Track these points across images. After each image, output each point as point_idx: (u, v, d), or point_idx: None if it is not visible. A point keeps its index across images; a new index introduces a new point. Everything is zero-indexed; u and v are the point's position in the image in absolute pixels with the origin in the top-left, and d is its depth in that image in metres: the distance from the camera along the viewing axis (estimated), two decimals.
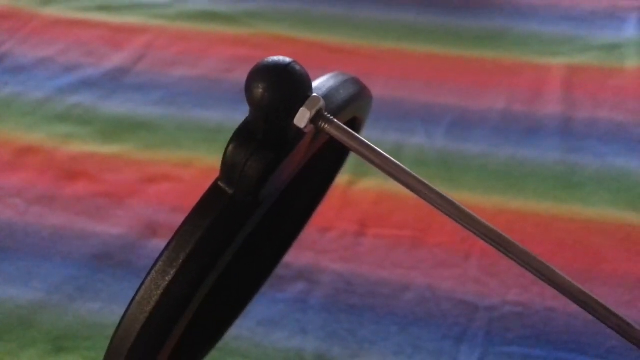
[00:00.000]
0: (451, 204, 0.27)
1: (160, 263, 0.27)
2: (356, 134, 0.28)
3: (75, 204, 0.72)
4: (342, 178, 0.77)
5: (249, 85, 0.27)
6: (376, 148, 0.27)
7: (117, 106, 0.86)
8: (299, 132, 0.27)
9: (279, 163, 0.26)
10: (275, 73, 0.26)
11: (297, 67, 0.28)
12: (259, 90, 0.27)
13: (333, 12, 1.07)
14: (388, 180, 0.79)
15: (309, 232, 0.71)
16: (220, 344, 0.58)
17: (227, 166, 0.27)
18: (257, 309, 0.61)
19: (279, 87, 0.26)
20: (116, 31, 1.01)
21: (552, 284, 0.26)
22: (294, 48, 0.98)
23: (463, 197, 0.74)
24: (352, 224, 0.71)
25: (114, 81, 0.91)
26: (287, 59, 0.27)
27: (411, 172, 0.27)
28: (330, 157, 0.37)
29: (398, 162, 0.27)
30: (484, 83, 0.92)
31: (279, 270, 0.66)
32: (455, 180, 0.77)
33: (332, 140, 0.34)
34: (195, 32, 1.02)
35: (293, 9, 1.07)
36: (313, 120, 0.27)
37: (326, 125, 0.27)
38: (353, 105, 0.31)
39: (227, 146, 0.27)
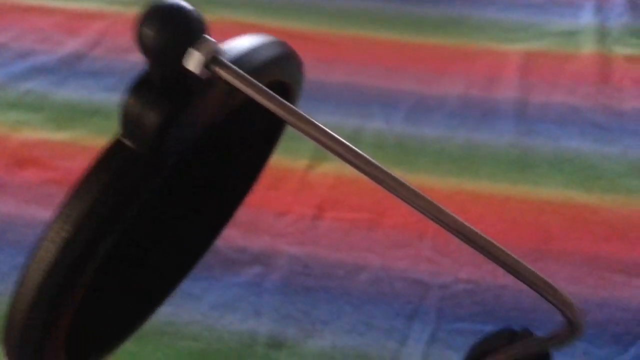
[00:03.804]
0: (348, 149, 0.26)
1: (56, 220, 0.26)
2: (253, 80, 0.26)
3: (26, 191, 0.71)
4: (300, 163, 0.77)
5: (138, 29, 0.26)
6: (277, 97, 0.25)
7: (71, 92, 0.85)
8: (202, 83, 0.26)
9: (179, 114, 0.26)
10: (164, 15, 0.25)
11: (188, 10, 0.26)
12: (148, 32, 0.25)
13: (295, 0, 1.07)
14: (346, 164, 0.79)
15: (265, 216, 0.71)
16: (172, 329, 0.58)
17: (126, 119, 0.26)
18: (211, 294, 0.61)
19: (169, 28, 0.25)
20: (72, 17, 0.99)
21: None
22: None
23: (420, 179, 0.74)
24: (310, 208, 0.71)
25: (69, 67, 0.89)
26: (179, 1, 0.26)
27: (314, 121, 0.26)
28: (262, 133, 0.36)
29: (302, 112, 0.25)
30: (443, 69, 0.93)
31: (234, 254, 0.66)
32: (413, 164, 0.77)
33: (262, 116, 0.33)
34: None
35: None
36: (208, 66, 0.26)
37: (221, 71, 0.26)
38: (274, 66, 0.30)
39: (125, 98, 0.26)
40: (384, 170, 0.25)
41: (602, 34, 0.98)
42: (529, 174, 0.75)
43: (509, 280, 0.64)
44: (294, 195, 0.72)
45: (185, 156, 0.28)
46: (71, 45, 0.93)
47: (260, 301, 0.60)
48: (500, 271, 0.66)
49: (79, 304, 0.28)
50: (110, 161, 0.26)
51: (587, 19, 1.03)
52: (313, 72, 0.97)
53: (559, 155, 0.78)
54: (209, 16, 0.33)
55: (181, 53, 0.25)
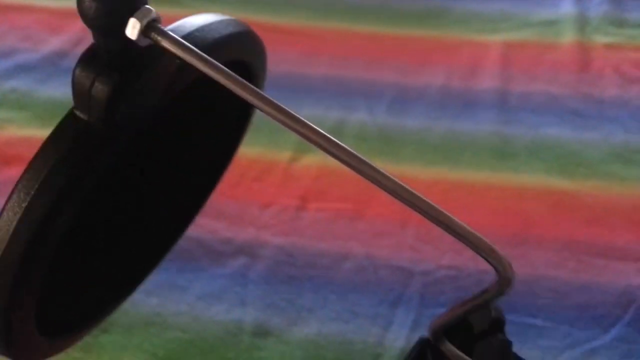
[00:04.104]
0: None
1: (14, 191, 0.26)
2: (193, 47, 0.26)
3: (10, 189, 0.71)
4: (283, 155, 0.78)
5: (79, 0, 0.26)
6: (220, 65, 0.25)
7: (54, 90, 0.85)
8: (150, 54, 0.26)
9: (127, 85, 0.26)
10: None
11: None
12: (88, 2, 0.26)
13: None
14: (330, 156, 0.80)
15: (250, 208, 0.71)
16: (159, 320, 0.58)
17: (77, 91, 0.26)
18: (197, 285, 0.62)
19: None
20: (54, 15, 0.99)
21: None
22: None
23: (402, 169, 0.75)
24: (293, 199, 0.72)
25: (52, 65, 0.89)
26: None
27: (265, 94, 0.26)
28: (229, 118, 0.36)
29: (243, 80, 0.26)
30: (424, 61, 0.94)
31: (219, 246, 0.66)
32: (395, 154, 0.78)
33: (227, 101, 0.33)
34: None
35: None
36: (148, 34, 0.26)
37: (163, 40, 0.26)
38: (229, 42, 0.30)
39: (74, 71, 0.26)
40: (340, 144, 0.26)
41: (582, 23, 0.99)
42: (509, 161, 0.76)
43: (489, 266, 0.65)
44: (278, 187, 0.73)
45: (147, 136, 0.28)
46: (54, 43, 0.93)
47: (245, 291, 0.61)
48: (481, 258, 0.67)
49: (49, 282, 0.28)
50: (65, 132, 0.26)
51: (567, 8, 1.04)
52: (295, 65, 0.98)
53: (539, 143, 0.79)
54: (190, 11, 0.34)
55: (122, 22, 0.26)
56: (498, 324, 0.39)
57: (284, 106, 0.25)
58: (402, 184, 0.26)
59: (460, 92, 0.87)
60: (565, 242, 0.67)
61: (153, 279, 0.62)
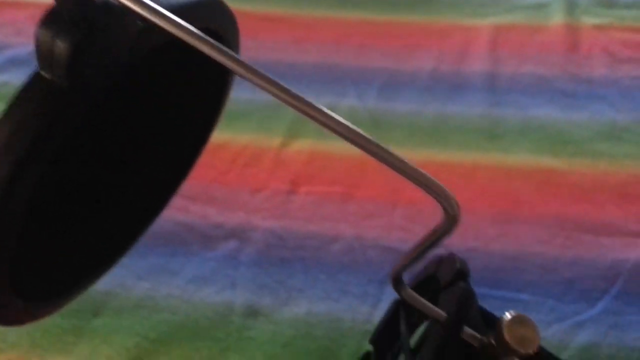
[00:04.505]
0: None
1: None
2: (155, 5, 0.25)
3: None
4: (274, 141, 0.78)
5: None
6: (185, 24, 0.25)
7: None
8: (115, 14, 0.27)
9: (90, 42, 0.26)
10: None
11: None
12: None
13: None
14: (320, 140, 0.80)
15: (241, 194, 0.72)
16: (150, 303, 0.59)
17: (39, 50, 0.26)
18: (188, 268, 0.62)
19: None
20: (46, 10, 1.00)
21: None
22: None
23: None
24: (284, 184, 0.72)
25: None
26: None
27: (223, 47, 0.26)
28: (207, 89, 0.36)
29: (206, 37, 0.26)
30: (414, 46, 0.94)
31: (210, 230, 0.67)
32: (385, 138, 0.79)
33: (204, 70, 0.34)
34: None
35: None
36: None
37: None
38: (199, 8, 0.30)
39: (36, 31, 0.27)
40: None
41: (571, 5, 0.99)
42: (498, 142, 0.77)
43: (478, 243, 0.66)
44: (269, 173, 0.74)
45: (119, 101, 0.29)
46: None
47: (236, 273, 0.62)
48: (470, 235, 0.68)
49: (24, 245, 0.29)
50: (28, 92, 0.27)
51: None
52: (285, 52, 0.99)
53: (527, 123, 0.79)
54: None
55: None
56: (461, 275, 0.41)
57: (255, 67, 0.26)
58: (348, 123, 0.26)
59: (450, 76, 0.88)
60: (553, 219, 0.67)
61: (144, 264, 0.63)
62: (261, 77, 0.25)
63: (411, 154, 0.76)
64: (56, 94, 0.26)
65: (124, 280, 0.60)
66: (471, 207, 0.68)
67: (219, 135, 0.81)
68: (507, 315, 0.36)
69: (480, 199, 0.70)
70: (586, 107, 0.82)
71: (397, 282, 0.37)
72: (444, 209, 0.28)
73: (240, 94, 0.89)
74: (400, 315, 0.44)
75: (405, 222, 0.66)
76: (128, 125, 0.34)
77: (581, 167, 0.73)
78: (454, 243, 0.65)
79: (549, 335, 0.57)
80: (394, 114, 0.82)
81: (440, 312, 0.38)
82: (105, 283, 0.61)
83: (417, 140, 0.78)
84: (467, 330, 0.38)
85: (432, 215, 0.71)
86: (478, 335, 0.38)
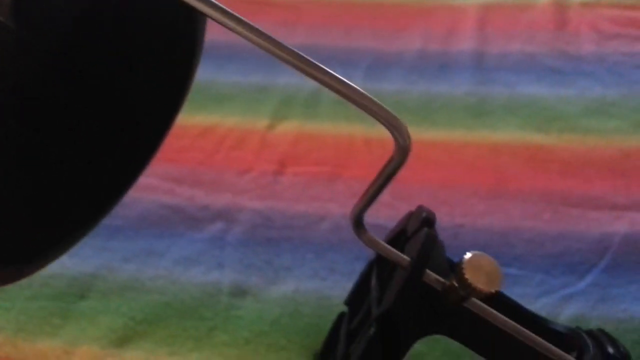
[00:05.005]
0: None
1: None
2: None
3: None
4: (260, 123, 0.78)
5: None
6: None
7: None
8: None
9: None
10: None
11: None
12: None
13: None
14: (308, 121, 0.80)
15: (228, 176, 0.71)
16: (136, 284, 0.59)
17: None
18: (174, 250, 0.62)
19: None
20: None
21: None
22: None
23: (379, 132, 0.75)
24: (271, 165, 0.72)
25: None
26: None
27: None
28: (174, 52, 0.36)
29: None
30: (401, 26, 0.93)
31: (197, 212, 0.66)
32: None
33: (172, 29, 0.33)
34: None
35: None
36: None
37: None
38: None
39: None
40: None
41: None
42: (485, 119, 0.76)
43: (466, 220, 0.65)
44: (256, 154, 0.73)
45: (81, 56, 0.28)
46: None
47: (223, 254, 0.61)
48: (458, 212, 0.68)
49: None
50: None
51: None
52: (273, 34, 0.98)
53: (515, 100, 0.79)
54: None
55: None
56: (427, 222, 0.40)
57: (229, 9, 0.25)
58: (302, 54, 0.26)
59: (436, 56, 0.87)
60: (541, 194, 0.67)
61: (130, 246, 0.63)
62: (231, 17, 0.25)
63: None
64: (6, 32, 0.26)
65: (110, 262, 0.60)
66: (459, 184, 0.68)
67: (206, 118, 0.81)
68: (468, 254, 0.35)
69: (468, 175, 0.69)
70: (574, 84, 0.81)
71: (357, 225, 0.36)
72: (395, 139, 0.28)
73: (226, 76, 0.88)
74: (372, 271, 0.44)
75: (392, 200, 0.66)
76: (96, 85, 0.33)
77: (569, 142, 0.73)
78: (443, 220, 0.65)
79: (537, 308, 0.57)
80: (382, 94, 0.81)
81: (404, 257, 0.38)
82: (91, 265, 0.61)
83: (404, 119, 0.77)
84: (431, 274, 0.37)
85: (418, 193, 0.71)
86: (442, 279, 0.37)
